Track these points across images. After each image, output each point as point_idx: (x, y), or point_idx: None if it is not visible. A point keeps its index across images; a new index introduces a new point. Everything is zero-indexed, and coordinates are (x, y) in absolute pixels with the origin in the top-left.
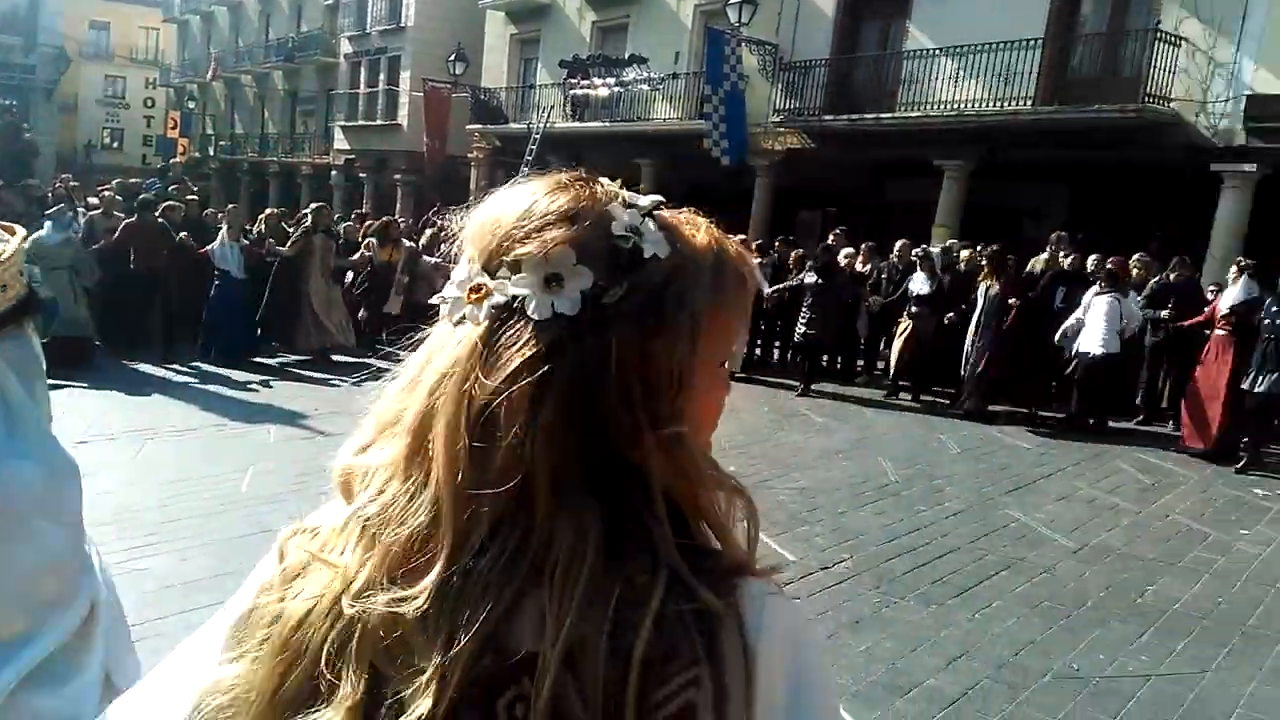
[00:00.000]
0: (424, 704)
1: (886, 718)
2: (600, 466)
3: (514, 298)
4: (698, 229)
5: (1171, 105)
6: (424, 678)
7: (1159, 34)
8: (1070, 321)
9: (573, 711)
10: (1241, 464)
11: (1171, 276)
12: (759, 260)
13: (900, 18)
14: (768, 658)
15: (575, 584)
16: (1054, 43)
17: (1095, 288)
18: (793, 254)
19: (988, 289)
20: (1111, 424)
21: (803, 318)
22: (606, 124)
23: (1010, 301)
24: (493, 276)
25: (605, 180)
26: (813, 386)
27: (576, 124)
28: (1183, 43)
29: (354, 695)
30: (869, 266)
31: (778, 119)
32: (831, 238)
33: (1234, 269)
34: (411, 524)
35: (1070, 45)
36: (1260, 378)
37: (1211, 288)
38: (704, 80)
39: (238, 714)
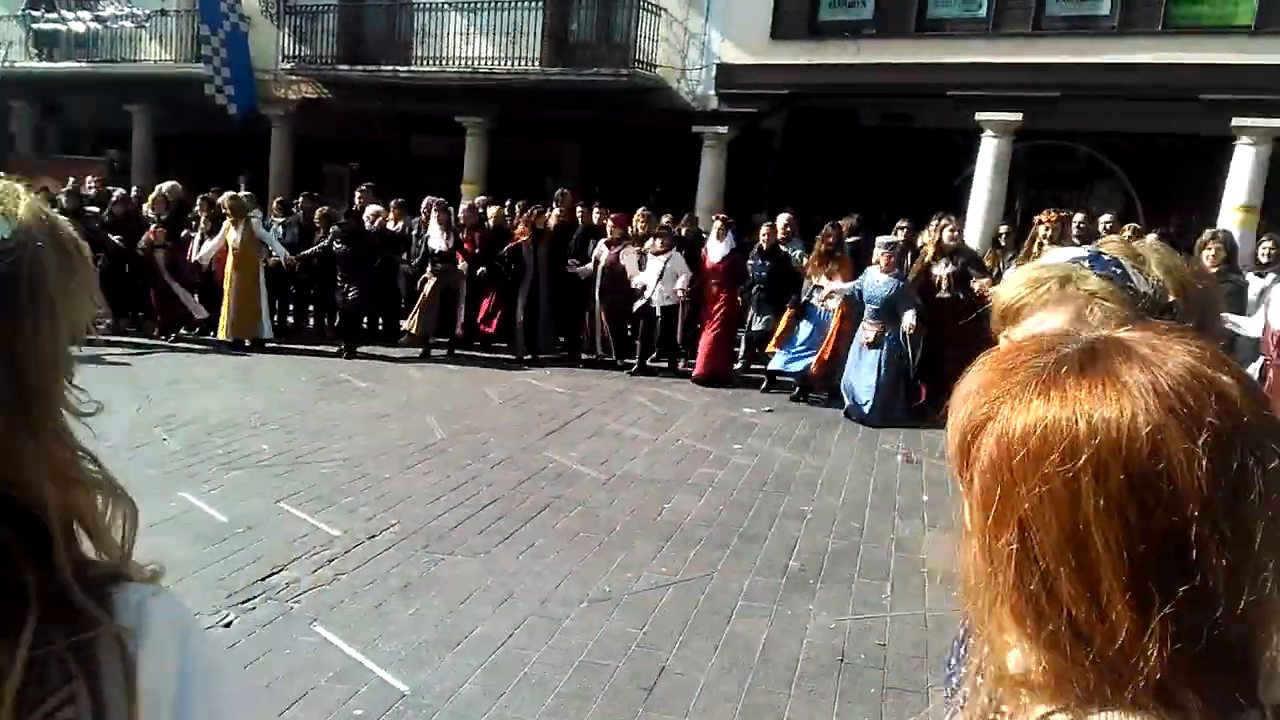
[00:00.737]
0: None
1: (437, 673)
2: None
3: None
4: (17, 199)
5: (657, 71)
6: None
7: (643, 4)
8: (589, 266)
9: None
10: (764, 385)
11: (683, 231)
12: (281, 219)
13: None
14: (151, 662)
15: None
16: (554, 6)
17: (611, 244)
18: (318, 211)
19: (535, 247)
20: (632, 361)
21: (340, 285)
22: (84, 65)
23: (575, 270)
24: None
25: None
26: (356, 350)
27: (46, 64)
28: (663, 13)
29: None
30: (401, 224)
31: (288, 66)
32: (358, 194)
33: (716, 225)
34: None
35: (569, 9)
36: (757, 317)
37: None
38: (199, 20)
39: None
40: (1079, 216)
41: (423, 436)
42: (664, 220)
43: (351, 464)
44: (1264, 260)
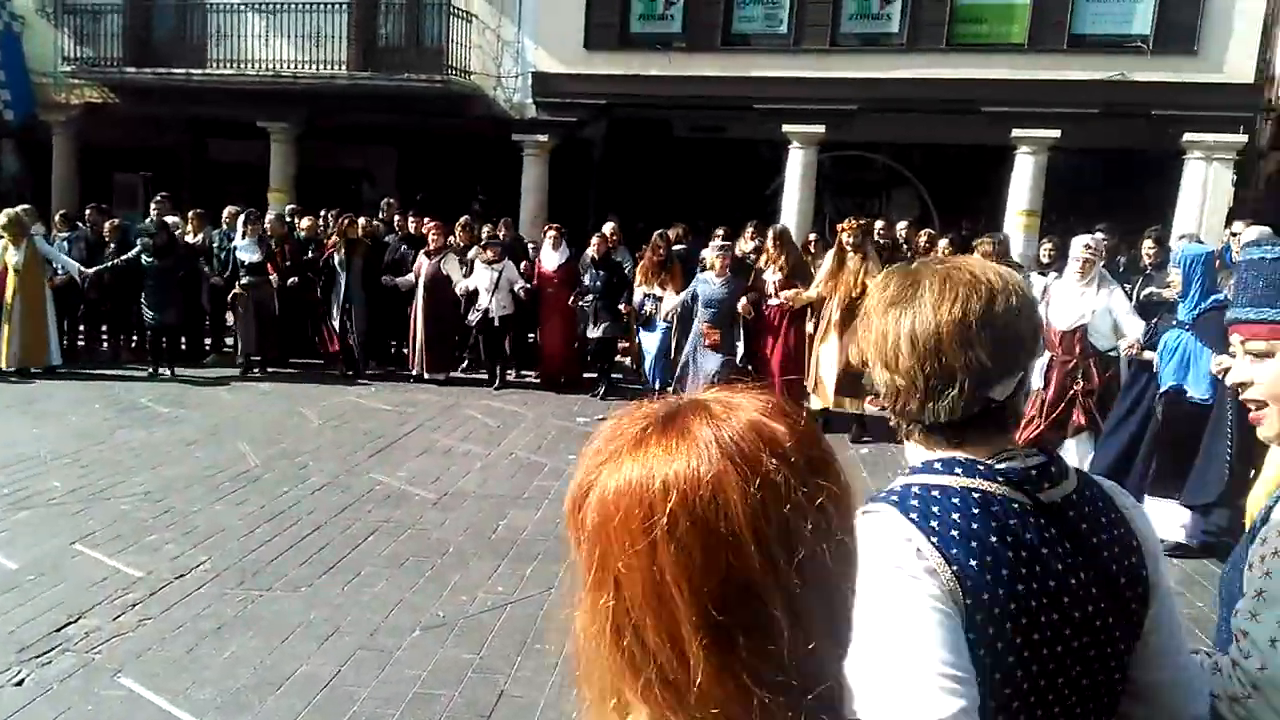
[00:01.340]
0: None
1: (258, 719)
2: None
3: None
4: None
5: (472, 78)
6: None
7: (452, 9)
8: (409, 278)
9: None
10: (601, 392)
11: (501, 234)
12: (66, 234)
13: None
14: None
15: None
16: (360, 9)
17: (432, 254)
18: (108, 224)
19: (347, 258)
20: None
21: (147, 300)
22: None
23: (393, 282)
24: None
25: None
26: (174, 370)
27: None
28: (474, 19)
29: None
30: (200, 236)
31: (69, 69)
32: (153, 205)
33: (551, 234)
34: None
35: (376, 13)
36: (595, 326)
37: (531, 244)
38: None
39: None
40: (879, 223)
41: (235, 464)
42: (486, 230)
43: (155, 498)
44: (1045, 261)
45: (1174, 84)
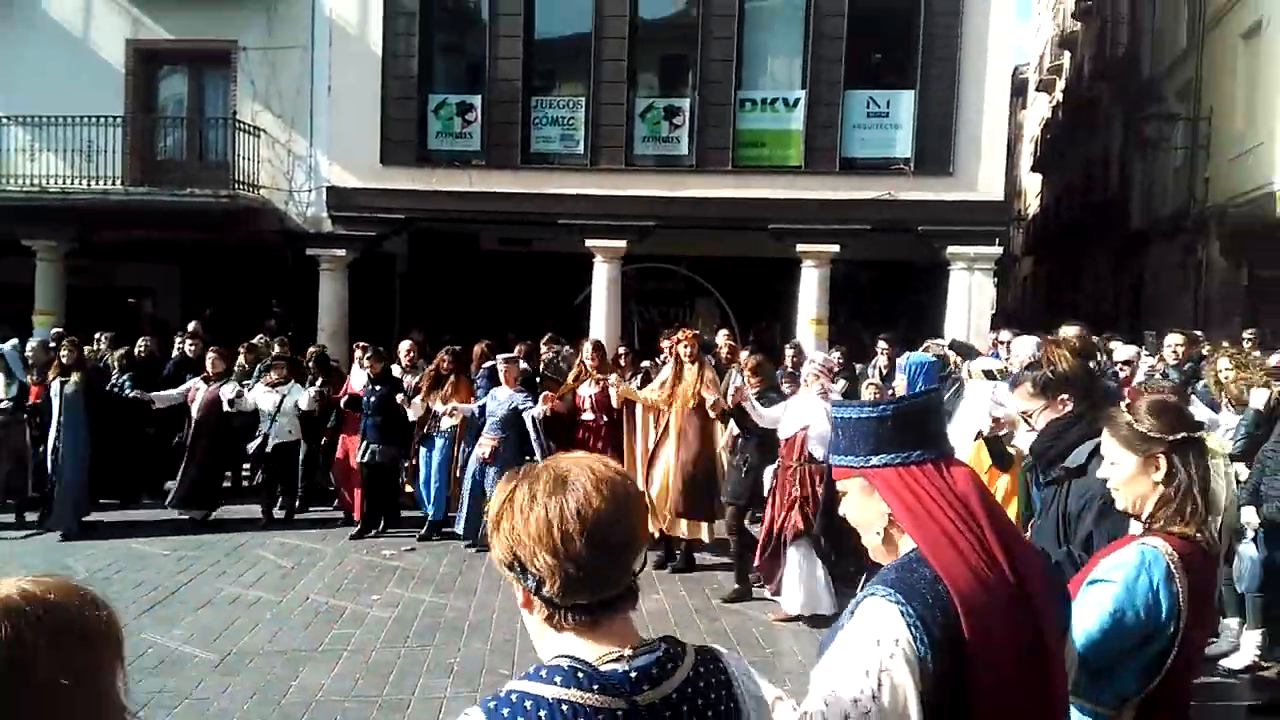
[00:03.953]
0: None
1: None
2: None
3: None
4: None
5: (262, 192)
6: None
7: (238, 124)
8: (169, 394)
9: None
10: (380, 527)
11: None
12: None
13: None
14: None
15: None
16: (137, 123)
17: (211, 379)
18: None
19: (63, 384)
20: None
21: None
22: None
23: (146, 398)
24: None
25: None
26: None
27: None
28: (262, 134)
29: None
30: None
31: None
32: None
33: (359, 353)
34: None
35: (155, 126)
36: (376, 447)
37: (335, 361)
38: None
39: None
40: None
41: None
42: (277, 348)
43: None
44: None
45: (935, 202)
